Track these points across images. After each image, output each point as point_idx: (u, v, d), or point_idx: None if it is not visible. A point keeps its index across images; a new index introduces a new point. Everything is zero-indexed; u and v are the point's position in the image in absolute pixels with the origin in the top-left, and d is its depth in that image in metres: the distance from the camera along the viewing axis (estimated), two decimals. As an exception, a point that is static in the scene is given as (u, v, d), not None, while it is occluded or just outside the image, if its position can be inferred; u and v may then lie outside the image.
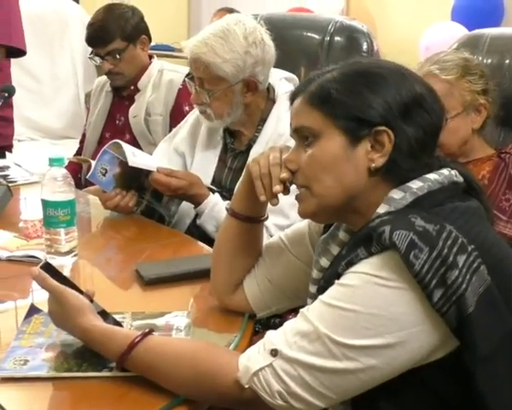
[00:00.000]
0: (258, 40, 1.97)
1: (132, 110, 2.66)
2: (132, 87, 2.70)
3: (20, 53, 2.89)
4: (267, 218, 1.43)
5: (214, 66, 1.92)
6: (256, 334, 1.53)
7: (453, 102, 1.79)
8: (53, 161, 1.70)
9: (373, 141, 1.14)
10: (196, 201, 1.99)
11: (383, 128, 1.13)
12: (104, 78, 2.80)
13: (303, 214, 1.24)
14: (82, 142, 2.87)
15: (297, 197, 1.23)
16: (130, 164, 1.94)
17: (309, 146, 1.18)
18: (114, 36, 2.60)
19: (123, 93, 2.73)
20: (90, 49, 2.69)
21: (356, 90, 1.15)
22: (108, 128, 2.75)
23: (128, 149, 2.00)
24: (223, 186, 2.09)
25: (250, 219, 1.40)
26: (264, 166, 1.30)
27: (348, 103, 1.14)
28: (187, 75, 2.11)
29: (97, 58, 2.64)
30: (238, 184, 1.44)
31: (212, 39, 1.93)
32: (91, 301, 1.27)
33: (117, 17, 2.62)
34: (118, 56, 2.61)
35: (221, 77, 1.94)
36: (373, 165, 1.14)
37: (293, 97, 1.23)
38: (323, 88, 1.17)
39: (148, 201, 2.12)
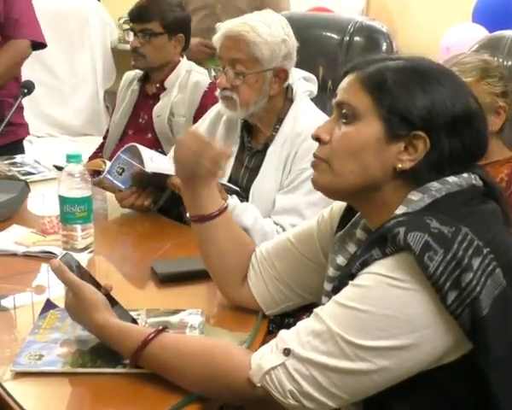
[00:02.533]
0: (291, 34, 2.01)
1: (156, 109, 2.64)
2: (158, 85, 2.68)
3: (39, 46, 2.90)
4: (225, 208, 1.42)
5: (254, 45, 1.94)
6: (270, 333, 1.53)
7: None
8: (70, 158, 1.71)
9: (408, 142, 1.13)
10: None
11: (422, 134, 1.12)
12: (132, 74, 2.79)
13: (315, 184, 1.22)
14: (105, 137, 2.87)
15: (313, 165, 1.22)
16: (148, 170, 1.95)
17: (346, 124, 1.16)
18: (154, 17, 2.60)
19: (148, 91, 2.72)
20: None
21: (409, 87, 1.13)
22: (131, 126, 2.74)
23: (146, 153, 1.99)
24: (239, 185, 2.09)
25: (206, 217, 1.40)
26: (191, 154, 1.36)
27: (398, 97, 1.13)
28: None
29: (131, 33, 2.65)
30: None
31: (254, 21, 1.96)
32: (107, 295, 1.28)
33: (164, 3, 2.64)
34: (148, 38, 2.60)
35: (258, 59, 1.95)
36: (400, 165, 1.13)
37: (349, 70, 1.20)
38: (381, 74, 1.15)
39: (166, 200, 2.12)
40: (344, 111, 1.17)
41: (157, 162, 2.01)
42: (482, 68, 1.82)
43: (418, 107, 1.12)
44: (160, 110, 2.62)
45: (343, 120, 1.17)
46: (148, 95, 2.71)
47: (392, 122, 1.13)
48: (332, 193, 1.24)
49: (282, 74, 2.00)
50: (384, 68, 1.16)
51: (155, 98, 2.67)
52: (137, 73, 2.78)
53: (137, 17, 2.64)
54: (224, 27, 1.98)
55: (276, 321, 1.84)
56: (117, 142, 2.73)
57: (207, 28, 3.20)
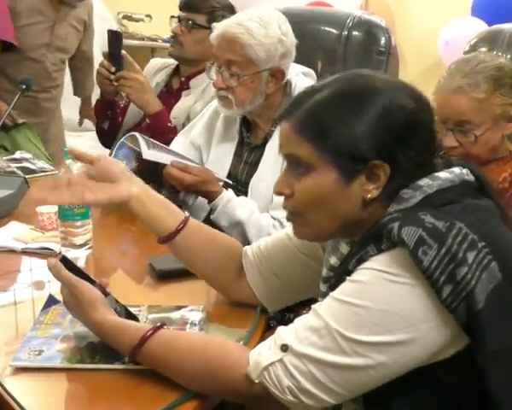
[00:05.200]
0: (289, 32, 2.00)
1: (174, 110, 2.59)
2: (184, 79, 2.64)
3: (9, 47, 2.90)
4: (188, 218, 1.41)
5: (249, 47, 1.93)
6: (270, 329, 1.53)
7: (483, 117, 1.73)
8: (69, 154, 1.71)
9: (368, 172, 1.12)
10: (210, 197, 1.99)
11: (378, 162, 1.11)
12: (159, 62, 2.76)
13: (298, 237, 1.24)
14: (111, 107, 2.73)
15: (289, 220, 1.22)
16: (145, 157, 1.95)
17: (302, 175, 1.15)
18: (202, 10, 2.58)
19: (174, 85, 2.69)
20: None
21: (346, 121, 1.11)
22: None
23: (143, 142, 2.00)
24: (238, 180, 2.09)
25: (172, 235, 1.39)
26: None
27: (340, 139, 1.11)
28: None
29: (175, 20, 2.62)
30: None
31: (250, 22, 1.95)
32: (105, 292, 1.28)
33: (216, 0, 2.61)
34: (191, 28, 2.58)
35: (253, 60, 1.95)
36: (368, 196, 1.13)
37: (281, 118, 1.19)
38: (313, 116, 1.13)
39: (166, 194, 2.12)
40: (294, 163, 1.16)
41: (154, 151, 2.01)
42: (495, 79, 1.74)
43: (362, 139, 1.10)
44: (177, 112, 2.57)
45: (297, 171, 1.16)
46: (172, 91, 2.66)
47: (344, 164, 1.12)
48: (317, 240, 1.28)
49: (278, 74, 1.99)
50: (314, 107, 1.14)
51: (177, 96, 2.63)
52: (165, 63, 2.75)
53: (186, 5, 2.61)
54: (220, 27, 1.98)
55: (277, 318, 1.84)
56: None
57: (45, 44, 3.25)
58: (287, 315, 1.87)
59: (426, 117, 1.16)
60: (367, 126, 1.11)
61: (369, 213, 1.15)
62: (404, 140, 1.12)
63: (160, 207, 1.39)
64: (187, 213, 1.43)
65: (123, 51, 2.43)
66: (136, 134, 2.03)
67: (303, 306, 1.70)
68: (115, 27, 5.00)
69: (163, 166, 1.99)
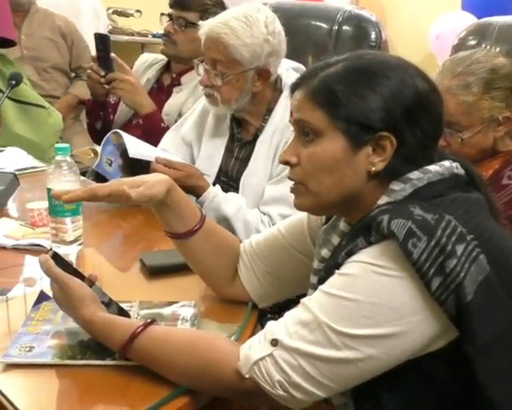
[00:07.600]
0: (276, 31, 1.99)
1: (167, 107, 2.58)
2: (175, 76, 2.63)
3: (8, 43, 2.89)
4: (205, 217, 1.41)
5: (233, 48, 1.93)
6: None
7: (472, 120, 1.69)
8: (58, 150, 1.70)
9: (375, 145, 1.13)
10: (196, 192, 1.98)
11: (386, 134, 1.12)
12: (149, 58, 2.74)
13: (299, 208, 1.24)
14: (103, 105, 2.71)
15: (292, 190, 1.22)
16: (131, 155, 1.95)
17: (310, 143, 1.16)
18: (195, 8, 2.54)
19: (164, 82, 2.68)
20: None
21: (359, 93, 1.12)
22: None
23: (128, 139, 2.00)
24: (229, 176, 2.09)
25: (188, 233, 1.39)
26: None
27: (352, 107, 1.12)
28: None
29: (166, 18, 2.59)
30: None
31: (235, 22, 1.94)
32: (90, 284, 1.27)
33: None
34: (183, 27, 2.55)
35: (237, 60, 1.95)
36: (373, 169, 1.14)
37: (294, 87, 1.21)
38: (327, 86, 1.15)
39: None
40: (304, 129, 1.17)
41: (139, 148, 2.01)
42: (486, 82, 1.69)
43: (374, 110, 1.12)
44: (169, 108, 2.57)
45: (306, 138, 1.17)
46: (163, 88, 2.66)
47: (354, 132, 1.13)
48: (317, 212, 1.27)
49: (264, 73, 1.99)
50: (328, 78, 1.15)
51: (168, 92, 2.62)
52: (155, 58, 2.74)
53: (178, 3, 2.58)
54: (206, 26, 1.98)
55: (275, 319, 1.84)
56: (118, 127, 2.66)
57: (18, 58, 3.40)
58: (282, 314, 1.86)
59: (436, 98, 1.18)
60: (379, 98, 1.12)
61: (369, 191, 1.15)
62: (413, 117, 1.13)
63: (187, 202, 1.40)
64: (204, 213, 1.42)
65: (112, 54, 2.41)
66: (121, 132, 2.03)
67: (297, 300, 1.70)
68: (108, 23, 5.02)
69: (146, 162, 1.99)
